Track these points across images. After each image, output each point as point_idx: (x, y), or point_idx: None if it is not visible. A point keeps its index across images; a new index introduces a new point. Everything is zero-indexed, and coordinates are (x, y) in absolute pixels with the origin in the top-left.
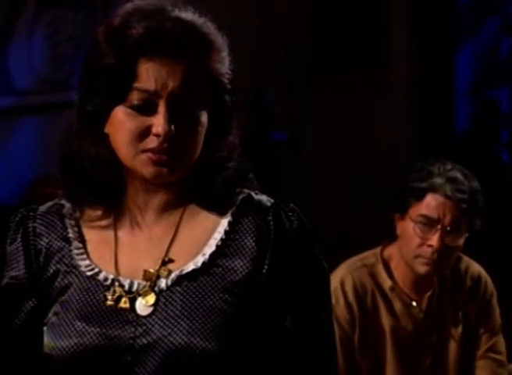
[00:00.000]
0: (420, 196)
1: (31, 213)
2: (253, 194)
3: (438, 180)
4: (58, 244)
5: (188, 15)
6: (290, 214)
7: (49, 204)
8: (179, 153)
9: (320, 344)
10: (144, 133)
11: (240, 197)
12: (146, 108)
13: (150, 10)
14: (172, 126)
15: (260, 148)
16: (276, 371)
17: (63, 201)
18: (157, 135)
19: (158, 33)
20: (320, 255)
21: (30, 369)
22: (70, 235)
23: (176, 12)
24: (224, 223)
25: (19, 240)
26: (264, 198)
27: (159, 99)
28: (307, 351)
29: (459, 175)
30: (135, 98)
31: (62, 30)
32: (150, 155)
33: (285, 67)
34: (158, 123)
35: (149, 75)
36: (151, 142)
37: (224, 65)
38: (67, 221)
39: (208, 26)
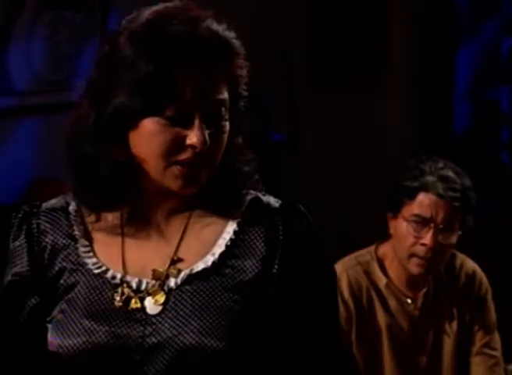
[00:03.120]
0: (412, 195)
1: (35, 210)
2: (260, 195)
3: (430, 179)
4: (64, 241)
5: (213, 23)
6: (298, 215)
7: (53, 201)
8: (207, 164)
9: (326, 343)
10: (178, 144)
11: (248, 198)
12: (180, 118)
13: (179, 17)
14: (207, 138)
15: (260, 148)
16: (284, 371)
17: (68, 199)
18: (192, 146)
19: (193, 41)
20: (327, 255)
21: (34, 367)
22: (76, 233)
23: (206, 21)
24: (233, 224)
25: (22, 236)
26: (271, 199)
27: (194, 109)
28: (314, 349)
29: (451, 173)
30: (171, 108)
31: (61, 30)
32: (180, 168)
33: (285, 68)
34: (195, 134)
35: (185, 84)
36: (185, 153)
37: (244, 73)
38: (72, 218)
39: (232, 35)
